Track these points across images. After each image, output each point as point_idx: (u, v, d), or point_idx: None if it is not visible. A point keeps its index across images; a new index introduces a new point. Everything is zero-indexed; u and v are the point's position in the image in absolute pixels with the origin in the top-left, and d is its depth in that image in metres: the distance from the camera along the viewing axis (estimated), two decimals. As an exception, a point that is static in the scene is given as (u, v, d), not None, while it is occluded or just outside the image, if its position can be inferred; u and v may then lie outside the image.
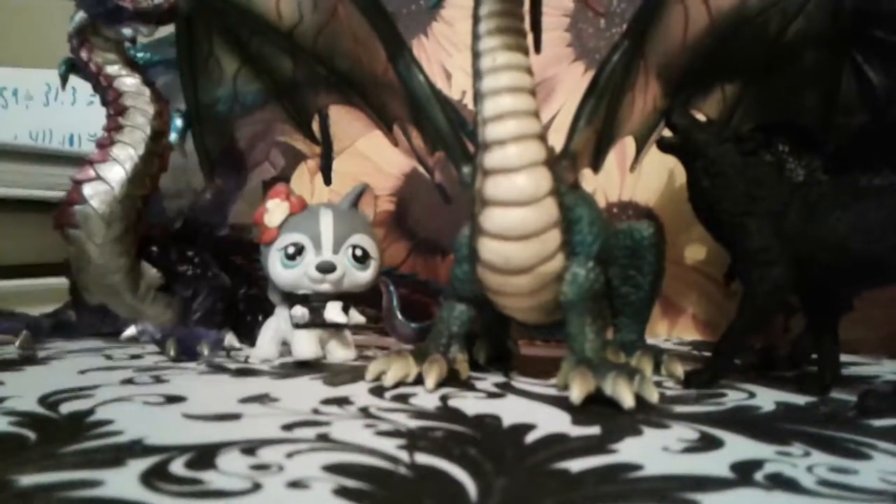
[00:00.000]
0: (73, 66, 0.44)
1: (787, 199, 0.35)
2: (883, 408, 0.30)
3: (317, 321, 0.40)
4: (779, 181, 0.36)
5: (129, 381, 0.33)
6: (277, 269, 0.40)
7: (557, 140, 0.36)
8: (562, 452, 0.23)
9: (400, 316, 0.50)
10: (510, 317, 0.37)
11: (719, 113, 0.42)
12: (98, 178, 0.41)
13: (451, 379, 0.35)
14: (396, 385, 0.33)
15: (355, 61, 0.41)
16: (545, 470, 0.21)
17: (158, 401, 0.29)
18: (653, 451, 0.24)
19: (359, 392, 0.32)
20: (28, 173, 0.59)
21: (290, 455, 0.22)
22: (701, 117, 0.40)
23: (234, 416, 0.27)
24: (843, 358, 0.37)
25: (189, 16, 0.41)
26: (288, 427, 0.25)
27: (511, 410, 0.29)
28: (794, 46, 0.38)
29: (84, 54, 0.42)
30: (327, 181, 0.51)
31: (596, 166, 0.40)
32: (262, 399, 0.30)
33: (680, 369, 0.38)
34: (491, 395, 0.32)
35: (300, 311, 0.40)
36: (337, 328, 0.41)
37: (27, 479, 0.19)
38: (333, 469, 0.21)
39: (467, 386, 0.34)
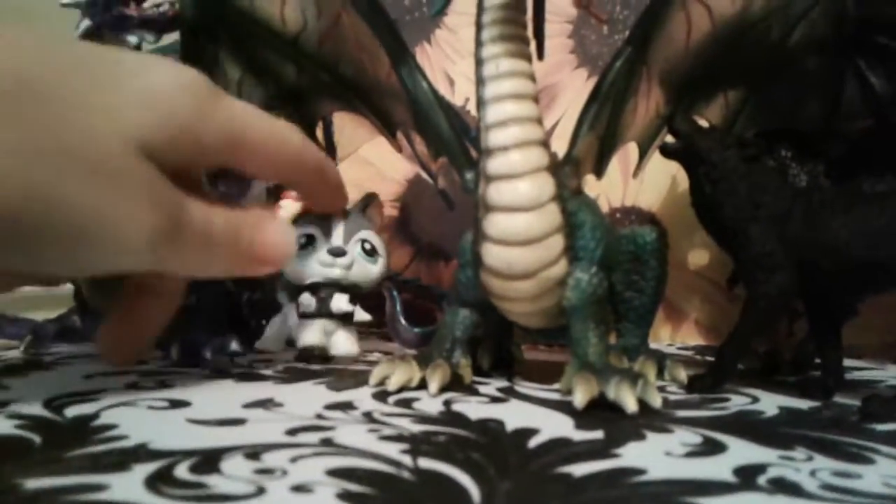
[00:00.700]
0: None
1: (790, 204, 0.35)
2: (886, 413, 0.30)
3: (323, 311, 0.41)
4: (782, 187, 0.36)
5: (133, 386, 0.33)
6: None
7: (560, 146, 0.36)
8: (565, 457, 0.23)
9: (403, 321, 0.50)
10: (513, 322, 0.37)
11: (722, 119, 0.42)
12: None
13: (455, 384, 0.35)
14: (400, 390, 0.33)
15: (359, 68, 0.41)
16: (548, 474, 0.21)
17: (163, 405, 0.29)
18: (656, 456, 0.24)
19: (362, 397, 0.32)
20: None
21: (293, 459, 0.22)
22: (704, 123, 0.41)
23: (239, 421, 0.27)
24: (847, 363, 0.37)
25: (194, 24, 0.41)
26: (292, 432, 0.25)
27: (514, 415, 0.29)
28: (797, 52, 0.38)
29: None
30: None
31: (599, 172, 0.40)
32: (265, 404, 0.30)
33: (683, 374, 0.38)
34: (494, 400, 0.32)
35: (308, 300, 0.41)
36: (343, 319, 0.42)
37: (32, 483, 0.19)
38: (337, 473, 0.21)
39: (471, 391, 0.34)
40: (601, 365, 0.32)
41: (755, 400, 0.34)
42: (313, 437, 0.25)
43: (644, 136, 0.43)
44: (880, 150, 0.37)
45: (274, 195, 0.48)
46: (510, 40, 0.31)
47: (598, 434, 0.26)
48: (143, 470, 0.20)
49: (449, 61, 0.65)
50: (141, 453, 0.22)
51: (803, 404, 0.33)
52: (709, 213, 0.38)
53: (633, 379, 0.30)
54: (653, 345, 0.43)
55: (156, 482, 0.19)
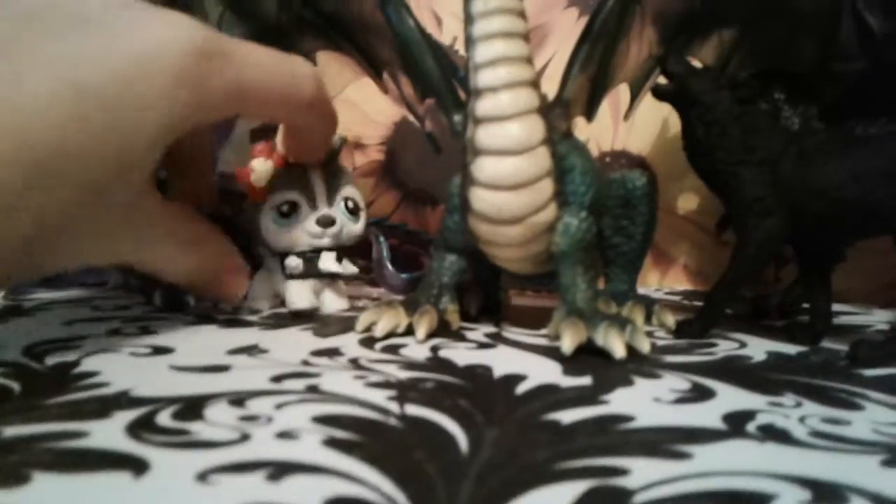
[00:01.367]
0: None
1: (783, 147, 0.34)
2: (875, 357, 0.30)
3: (311, 271, 0.40)
4: (775, 130, 0.36)
5: (115, 332, 0.32)
6: (271, 227, 0.39)
7: (550, 87, 0.35)
8: (553, 403, 0.23)
9: (390, 266, 0.50)
10: (501, 267, 0.37)
11: (716, 60, 0.41)
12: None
13: (442, 329, 0.35)
14: (387, 336, 0.33)
15: (342, 3, 0.40)
16: (536, 421, 0.21)
17: (145, 352, 0.29)
18: (644, 402, 0.24)
19: (349, 343, 0.32)
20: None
21: (279, 406, 0.21)
22: (697, 64, 0.40)
23: (223, 368, 0.26)
24: (835, 307, 0.37)
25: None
26: (277, 378, 0.25)
27: (502, 361, 0.29)
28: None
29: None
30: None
31: (589, 114, 0.40)
32: (250, 350, 0.29)
33: (671, 319, 0.38)
34: (482, 346, 0.32)
35: (294, 262, 0.39)
36: (332, 278, 0.41)
37: (10, 430, 0.19)
38: (323, 420, 0.20)
39: (458, 337, 0.34)
40: (589, 310, 0.32)
41: (743, 345, 0.34)
42: (299, 384, 0.24)
43: (636, 77, 0.42)
44: (874, 92, 0.36)
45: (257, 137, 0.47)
46: None
47: (586, 380, 0.26)
48: (125, 417, 0.20)
49: None
50: (122, 400, 0.22)
51: (791, 349, 0.33)
52: (700, 156, 0.37)
53: (622, 324, 0.30)
54: (641, 290, 0.43)
55: (137, 429, 0.19)
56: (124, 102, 0.26)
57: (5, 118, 0.23)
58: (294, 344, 0.31)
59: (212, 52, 0.29)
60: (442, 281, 0.36)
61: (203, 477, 0.16)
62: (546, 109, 0.32)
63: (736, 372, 0.28)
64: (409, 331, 0.34)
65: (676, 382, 0.26)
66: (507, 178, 0.31)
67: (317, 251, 0.40)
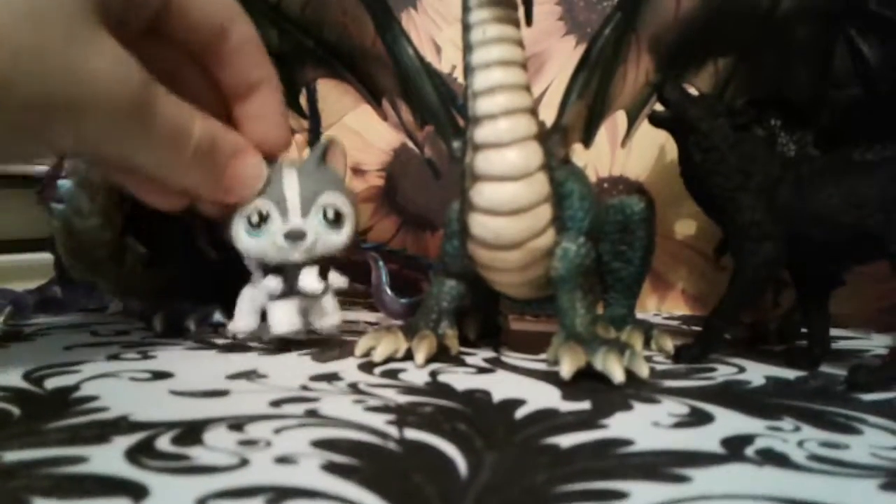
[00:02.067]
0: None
1: (780, 173, 0.35)
2: (873, 382, 0.30)
3: (293, 290, 0.36)
4: (771, 156, 0.36)
5: (115, 357, 0.33)
6: (242, 238, 0.35)
7: (548, 114, 0.35)
8: (552, 428, 0.23)
9: (389, 291, 0.50)
10: (500, 292, 0.37)
11: (712, 87, 0.42)
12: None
13: (441, 354, 0.35)
14: (386, 361, 0.33)
15: (343, 34, 0.41)
16: (535, 445, 0.21)
17: (145, 377, 0.29)
18: (643, 426, 0.24)
19: (348, 368, 0.32)
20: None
21: (277, 431, 0.21)
22: (693, 91, 0.40)
23: (222, 393, 0.26)
24: (833, 332, 0.37)
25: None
26: (276, 403, 0.25)
27: (501, 386, 0.29)
28: (787, 20, 0.38)
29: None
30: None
31: (587, 141, 0.40)
32: (249, 375, 0.29)
33: (670, 344, 0.38)
34: (481, 371, 0.32)
35: (273, 282, 0.35)
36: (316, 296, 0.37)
37: (10, 456, 0.19)
38: (322, 444, 0.20)
39: (457, 361, 0.34)
40: (588, 335, 0.32)
41: (742, 370, 0.34)
42: (298, 409, 0.24)
43: (633, 104, 0.42)
44: (869, 118, 0.36)
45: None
46: (498, 5, 0.30)
47: (584, 405, 0.26)
48: (124, 442, 0.20)
49: (435, 27, 0.64)
50: (122, 425, 0.22)
51: (790, 374, 0.33)
52: (697, 182, 0.37)
53: (621, 349, 0.30)
54: (639, 315, 0.43)
55: (136, 454, 0.19)
56: None
57: None
58: (293, 369, 0.31)
59: None
60: (441, 306, 0.37)
61: (202, 503, 0.16)
62: (544, 136, 0.32)
63: (735, 396, 0.28)
64: (409, 356, 0.34)
65: (675, 407, 0.26)
66: (506, 203, 0.31)
67: (295, 269, 0.36)
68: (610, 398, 0.27)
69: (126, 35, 0.27)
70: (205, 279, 0.44)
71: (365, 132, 0.64)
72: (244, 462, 0.19)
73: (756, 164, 0.35)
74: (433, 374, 0.31)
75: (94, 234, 0.41)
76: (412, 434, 0.22)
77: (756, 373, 0.33)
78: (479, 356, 0.36)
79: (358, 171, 0.65)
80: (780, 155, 0.37)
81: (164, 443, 0.20)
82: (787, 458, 0.21)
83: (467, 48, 0.31)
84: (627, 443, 0.22)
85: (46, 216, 0.42)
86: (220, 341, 0.38)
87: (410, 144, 0.49)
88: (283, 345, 0.37)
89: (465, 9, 0.31)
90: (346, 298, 0.58)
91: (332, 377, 0.30)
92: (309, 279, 0.35)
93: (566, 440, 0.22)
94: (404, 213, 0.64)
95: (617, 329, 0.39)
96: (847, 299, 0.47)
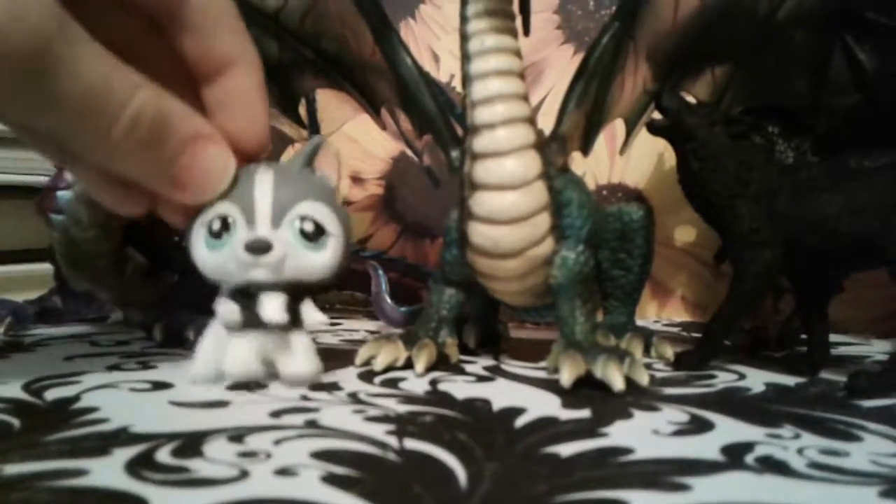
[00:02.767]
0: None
1: (778, 181, 0.35)
2: (873, 388, 0.30)
3: (252, 321, 0.28)
4: (769, 163, 0.36)
5: (115, 368, 0.33)
6: (201, 250, 0.29)
7: (547, 123, 0.35)
8: (552, 436, 0.23)
9: (389, 300, 0.50)
10: (500, 300, 0.37)
11: (709, 95, 0.42)
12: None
13: (441, 363, 0.35)
14: (386, 370, 0.33)
15: (342, 44, 0.41)
16: (535, 454, 0.21)
17: (145, 387, 0.29)
18: (643, 435, 0.24)
19: (348, 377, 0.32)
20: (10, 157, 0.58)
21: (277, 442, 0.21)
22: (691, 100, 0.40)
23: (222, 404, 0.26)
24: (833, 338, 0.37)
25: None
26: (276, 414, 0.25)
27: (501, 394, 0.29)
28: (785, 28, 0.38)
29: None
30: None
31: (585, 149, 0.40)
32: (249, 386, 0.29)
33: (670, 351, 0.38)
34: (481, 379, 0.32)
35: (227, 308, 0.28)
36: (287, 329, 0.29)
37: (11, 468, 0.19)
38: (322, 456, 0.20)
39: (457, 370, 0.34)
40: (588, 343, 0.32)
41: (742, 377, 0.34)
42: (298, 419, 0.24)
43: (631, 112, 0.42)
44: (867, 125, 0.37)
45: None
46: (495, 15, 0.30)
47: (584, 413, 0.26)
48: (124, 454, 0.20)
49: (434, 37, 0.64)
50: (122, 437, 0.22)
51: (790, 380, 0.33)
52: (696, 190, 0.38)
53: (620, 357, 0.30)
54: (639, 322, 0.43)
55: (136, 467, 0.19)
56: None
57: None
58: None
59: None
60: (441, 314, 0.37)
61: (203, 513, 0.16)
62: (542, 145, 0.32)
63: (734, 404, 0.28)
64: (409, 364, 0.34)
65: (675, 415, 0.26)
66: (505, 212, 0.31)
67: (257, 291, 0.29)
68: (610, 406, 0.27)
69: None
70: (205, 289, 0.44)
71: (364, 141, 0.65)
72: (244, 474, 0.19)
73: (754, 172, 0.35)
74: (433, 382, 0.31)
75: (93, 245, 0.41)
76: (412, 444, 0.22)
77: (756, 379, 0.33)
78: (478, 364, 0.36)
79: (357, 180, 0.65)
80: (778, 162, 0.37)
81: (164, 455, 0.20)
82: (786, 465, 0.21)
83: (465, 58, 0.31)
84: (627, 451, 0.22)
85: (46, 227, 0.42)
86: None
87: (409, 153, 0.49)
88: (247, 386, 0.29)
89: (463, 19, 0.31)
90: (346, 307, 0.58)
91: (332, 387, 0.30)
92: (270, 306, 0.28)
93: (566, 449, 0.22)
94: (404, 221, 0.64)
95: (617, 336, 0.39)
96: (848, 305, 0.47)
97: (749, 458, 0.21)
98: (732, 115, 0.38)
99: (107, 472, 0.19)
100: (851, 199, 0.32)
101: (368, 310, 0.52)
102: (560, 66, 0.60)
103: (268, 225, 0.28)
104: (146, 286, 0.44)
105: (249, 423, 0.24)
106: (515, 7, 0.31)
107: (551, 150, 0.34)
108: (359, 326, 0.49)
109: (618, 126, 0.43)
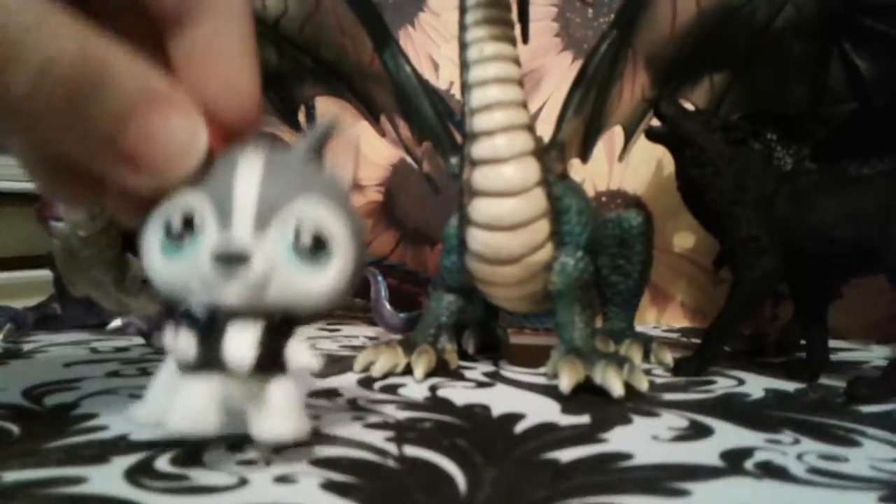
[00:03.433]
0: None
1: (776, 187, 0.35)
2: (872, 394, 0.30)
3: (214, 360, 0.20)
4: (767, 170, 0.36)
5: (114, 374, 0.33)
6: (153, 257, 0.21)
7: (546, 130, 0.35)
8: (551, 442, 0.23)
9: (388, 306, 0.50)
10: (499, 306, 0.37)
11: (708, 102, 0.42)
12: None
13: (440, 369, 0.35)
14: (385, 376, 0.33)
15: (341, 52, 0.41)
16: (535, 460, 0.21)
17: (144, 394, 0.29)
18: (643, 440, 0.24)
19: (347, 383, 0.32)
20: (11, 165, 0.58)
21: (277, 450, 0.21)
22: (689, 106, 0.40)
23: (222, 410, 0.26)
24: (832, 344, 0.37)
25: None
26: (276, 420, 0.25)
27: (500, 400, 0.29)
28: (782, 35, 0.38)
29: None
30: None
31: (584, 156, 0.40)
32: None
33: (669, 357, 0.38)
34: (480, 385, 0.32)
35: (183, 340, 0.20)
36: (260, 374, 0.20)
37: (10, 476, 0.19)
38: (321, 463, 0.20)
39: (456, 376, 0.34)
40: (587, 349, 0.32)
41: (741, 382, 0.34)
42: (297, 426, 0.24)
43: (629, 119, 0.42)
44: (865, 132, 0.37)
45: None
46: (494, 24, 0.30)
47: (584, 419, 0.26)
48: (123, 462, 0.20)
49: (433, 45, 0.64)
50: (121, 444, 0.22)
51: (789, 386, 0.33)
52: (695, 196, 0.38)
53: (620, 363, 0.30)
54: (639, 328, 0.43)
55: (136, 475, 0.19)
56: None
57: None
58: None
59: None
60: (440, 321, 0.37)
61: (202, 520, 0.16)
62: (541, 152, 0.32)
63: (734, 409, 0.28)
64: (408, 370, 0.34)
65: (674, 420, 0.26)
66: (504, 219, 0.31)
67: (225, 319, 0.20)
68: (609, 412, 0.27)
69: None
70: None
71: (364, 148, 0.65)
72: (244, 482, 0.19)
73: (752, 179, 0.35)
74: (432, 388, 0.31)
75: (93, 252, 0.41)
76: (411, 451, 0.22)
77: (755, 385, 0.33)
78: (478, 370, 0.36)
79: (357, 186, 0.65)
80: (777, 169, 0.37)
81: (163, 463, 0.20)
82: (786, 471, 0.21)
83: (464, 66, 0.31)
84: (627, 457, 0.22)
85: (46, 234, 0.42)
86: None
87: (409, 160, 0.49)
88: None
89: (462, 27, 0.31)
90: (346, 313, 0.58)
91: (331, 394, 0.30)
92: (237, 342, 0.20)
93: (566, 455, 0.22)
94: (403, 227, 0.64)
95: (616, 342, 0.39)
96: (847, 311, 0.47)
97: (748, 464, 0.21)
98: (731, 122, 0.38)
99: (106, 479, 0.19)
100: (850, 206, 0.32)
101: (368, 316, 0.52)
102: (559, 73, 0.60)
103: (248, 227, 0.20)
104: (146, 293, 0.44)
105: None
106: (514, 15, 0.31)
107: (550, 156, 0.34)
108: (358, 332, 0.49)
109: (616, 133, 0.43)
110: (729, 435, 0.25)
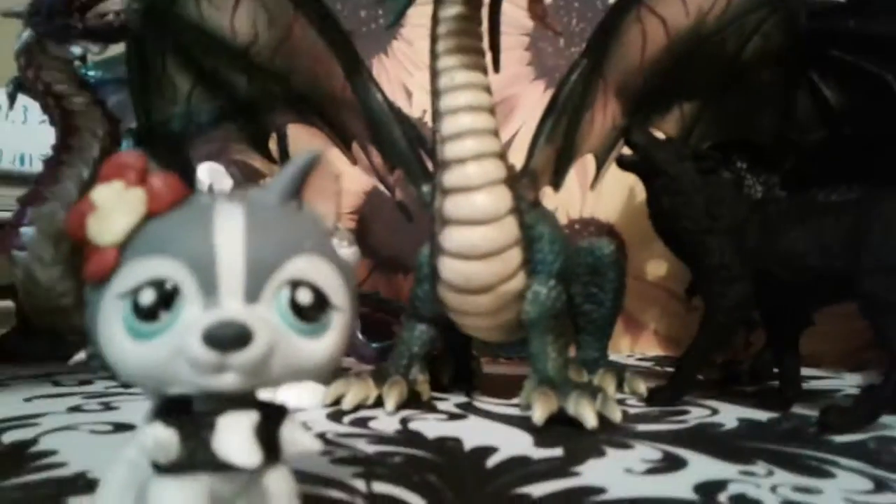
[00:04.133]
0: (20, 86, 0.42)
1: (747, 216, 0.35)
2: (845, 423, 0.30)
3: (200, 458, 0.17)
4: (738, 198, 0.37)
5: (76, 409, 0.32)
6: (118, 341, 0.17)
7: (518, 158, 0.35)
8: (524, 476, 0.23)
9: (360, 336, 0.49)
10: (472, 335, 0.37)
11: (678, 131, 0.42)
12: (45, 198, 0.40)
13: (412, 400, 0.34)
14: (356, 408, 0.33)
15: (313, 80, 0.41)
16: (507, 495, 0.21)
17: (106, 429, 0.28)
18: (616, 473, 0.23)
19: (316, 416, 0.31)
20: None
21: (242, 486, 0.21)
22: (660, 135, 0.41)
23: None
24: (805, 372, 0.37)
25: (140, 34, 0.40)
26: (241, 455, 0.24)
27: (473, 432, 0.28)
28: (751, 65, 0.39)
29: (31, 73, 0.41)
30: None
31: (556, 184, 0.40)
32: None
33: (643, 386, 0.38)
34: (452, 417, 0.32)
35: (160, 437, 0.17)
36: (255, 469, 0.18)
37: (-40, 519, 0.18)
38: (287, 500, 0.20)
39: (428, 407, 0.34)
40: (560, 379, 0.31)
41: (714, 412, 0.34)
42: (264, 461, 0.24)
43: (601, 147, 0.42)
44: (833, 160, 0.37)
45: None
46: (465, 52, 0.30)
47: (557, 451, 0.26)
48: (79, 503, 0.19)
49: (406, 73, 0.64)
50: (79, 483, 0.21)
51: (762, 415, 0.33)
52: (666, 224, 0.38)
53: (593, 393, 0.30)
54: (612, 356, 0.43)
55: (92, 515, 0.18)
56: None
57: None
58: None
59: None
60: (412, 351, 0.36)
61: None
62: (513, 180, 0.32)
63: (708, 440, 0.28)
64: (379, 402, 0.33)
65: (648, 452, 0.26)
66: (476, 247, 0.31)
67: (215, 409, 0.18)
68: (582, 444, 0.27)
69: None
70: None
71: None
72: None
73: (723, 207, 0.35)
74: (404, 421, 0.31)
75: (56, 283, 0.40)
76: (381, 487, 0.21)
77: (729, 415, 0.33)
78: (451, 401, 0.35)
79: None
80: (747, 197, 0.37)
81: None
82: (760, 503, 0.20)
83: (436, 94, 0.31)
84: (600, 490, 0.21)
85: (8, 264, 0.41)
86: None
87: (381, 188, 0.49)
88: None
89: (434, 55, 0.31)
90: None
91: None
92: (234, 436, 0.17)
93: (538, 489, 0.21)
94: (377, 255, 0.64)
95: (589, 372, 0.39)
96: (819, 338, 0.48)
97: (722, 497, 0.21)
98: (701, 151, 0.38)
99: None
100: (820, 235, 0.32)
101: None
102: (531, 102, 0.61)
103: (239, 296, 0.17)
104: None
105: (213, 466, 0.23)
106: (486, 43, 0.32)
107: (522, 185, 0.34)
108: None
109: (588, 161, 0.43)
110: (703, 467, 0.24)
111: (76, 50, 0.39)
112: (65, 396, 0.35)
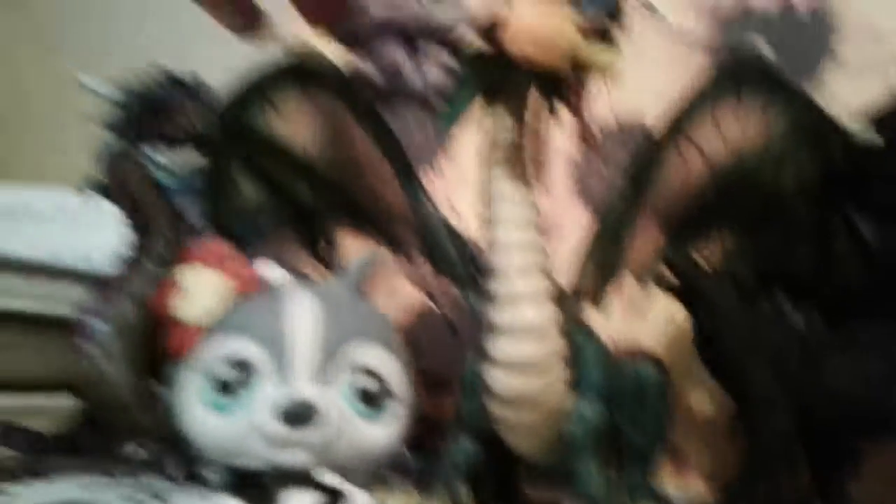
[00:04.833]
0: (99, 187, 0.45)
1: (788, 347, 0.35)
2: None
3: None
4: (779, 329, 0.37)
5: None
6: (195, 413, 0.19)
7: (562, 279, 0.36)
8: None
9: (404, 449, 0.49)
10: (517, 454, 0.36)
11: (719, 258, 0.43)
12: (118, 296, 0.41)
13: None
14: (397, 519, 0.32)
15: (370, 189, 0.43)
16: None
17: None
18: None
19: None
20: (41, 288, 0.60)
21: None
22: (701, 262, 0.41)
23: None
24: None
25: (215, 143, 0.43)
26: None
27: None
28: (789, 202, 0.39)
29: (116, 180, 0.43)
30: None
31: (600, 306, 0.41)
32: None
33: (685, 519, 0.37)
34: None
35: None
36: None
37: None
38: None
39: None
40: (603, 501, 0.31)
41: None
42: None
43: (643, 272, 0.43)
44: (875, 295, 0.37)
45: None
46: (514, 167, 0.32)
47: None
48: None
49: (452, 187, 0.66)
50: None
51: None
52: (709, 352, 0.38)
53: (636, 517, 0.29)
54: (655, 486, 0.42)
55: None
56: None
57: None
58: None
59: None
60: (457, 466, 0.36)
61: None
62: (560, 298, 0.33)
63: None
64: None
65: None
66: (522, 360, 0.32)
67: (281, 484, 0.18)
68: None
69: None
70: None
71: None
72: None
73: (765, 337, 0.35)
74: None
75: (121, 378, 0.41)
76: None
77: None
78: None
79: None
80: (789, 328, 0.37)
81: None
82: None
83: (485, 207, 0.33)
84: None
85: (74, 357, 0.42)
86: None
87: (427, 299, 0.50)
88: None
89: (485, 171, 0.32)
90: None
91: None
92: None
93: None
94: (421, 369, 0.64)
95: (631, 499, 0.38)
96: (870, 481, 0.46)
97: None
98: (742, 279, 0.39)
99: None
100: (864, 369, 0.32)
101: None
102: (575, 225, 0.62)
103: (309, 377, 0.18)
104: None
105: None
106: (534, 154, 0.33)
107: (568, 304, 0.34)
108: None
109: (631, 285, 0.44)
110: None
111: (160, 159, 0.42)
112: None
